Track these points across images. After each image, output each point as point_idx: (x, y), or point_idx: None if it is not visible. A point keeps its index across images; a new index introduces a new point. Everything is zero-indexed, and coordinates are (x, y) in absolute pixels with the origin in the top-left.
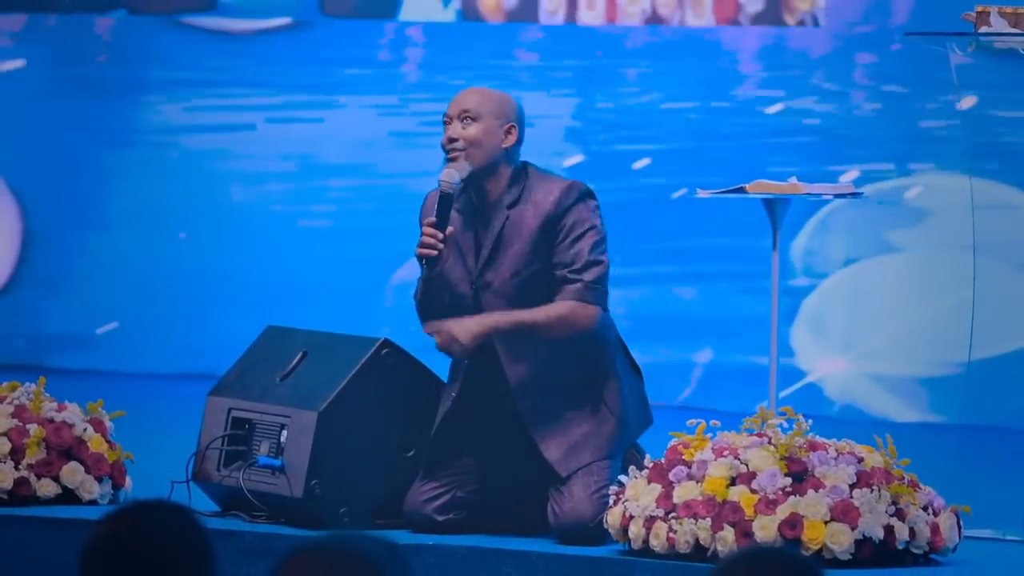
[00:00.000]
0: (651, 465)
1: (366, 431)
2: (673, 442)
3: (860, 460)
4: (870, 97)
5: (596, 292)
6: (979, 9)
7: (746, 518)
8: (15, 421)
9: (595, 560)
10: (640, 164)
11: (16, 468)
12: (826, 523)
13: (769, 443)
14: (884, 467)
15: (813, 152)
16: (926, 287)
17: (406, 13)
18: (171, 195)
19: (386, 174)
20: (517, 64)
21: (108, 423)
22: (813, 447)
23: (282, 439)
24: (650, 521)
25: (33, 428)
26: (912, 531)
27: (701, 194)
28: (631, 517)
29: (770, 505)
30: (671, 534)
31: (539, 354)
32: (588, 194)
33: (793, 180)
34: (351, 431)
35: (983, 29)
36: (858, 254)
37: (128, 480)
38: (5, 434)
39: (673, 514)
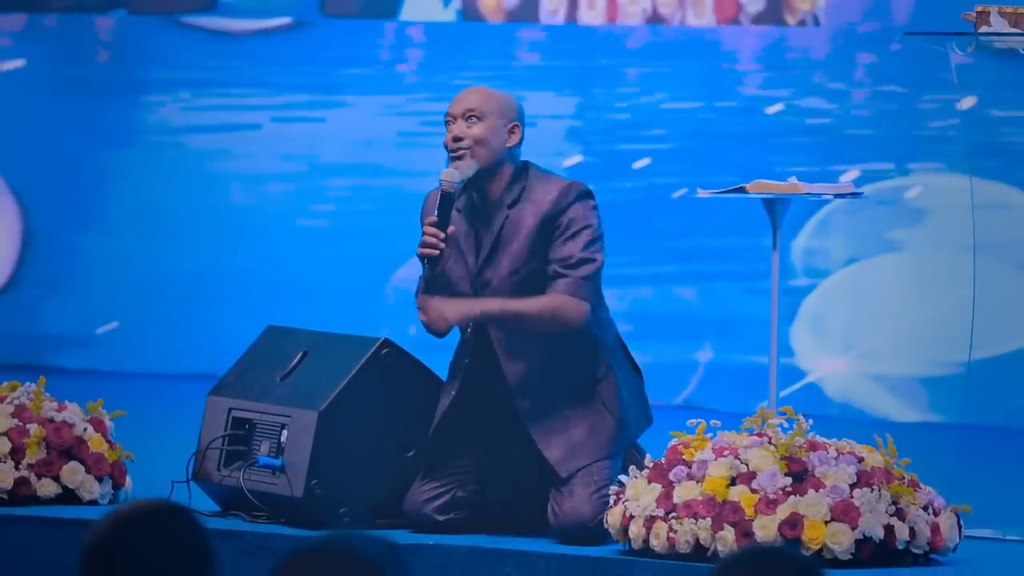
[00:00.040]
0: (651, 465)
1: (366, 431)
2: (673, 442)
3: (860, 460)
4: (870, 97)
5: (587, 288)
6: (979, 9)
7: (746, 518)
8: (15, 421)
9: (595, 560)
10: (640, 164)
11: (16, 468)
12: (826, 523)
13: (769, 443)
14: (884, 467)
15: (813, 152)
16: (926, 287)
17: (406, 13)
18: (171, 195)
19: (386, 174)
20: (518, 64)
21: (108, 423)
22: (813, 447)
23: (282, 439)
24: (650, 521)
25: (33, 428)
26: (912, 531)
27: (701, 194)
28: (631, 517)
29: (770, 505)
30: (671, 534)
31: (537, 352)
32: (586, 194)
33: (793, 180)
34: (351, 431)
35: (983, 29)
36: (858, 254)
37: (128, 480)
38: (5, 434)
39: (673, 514)
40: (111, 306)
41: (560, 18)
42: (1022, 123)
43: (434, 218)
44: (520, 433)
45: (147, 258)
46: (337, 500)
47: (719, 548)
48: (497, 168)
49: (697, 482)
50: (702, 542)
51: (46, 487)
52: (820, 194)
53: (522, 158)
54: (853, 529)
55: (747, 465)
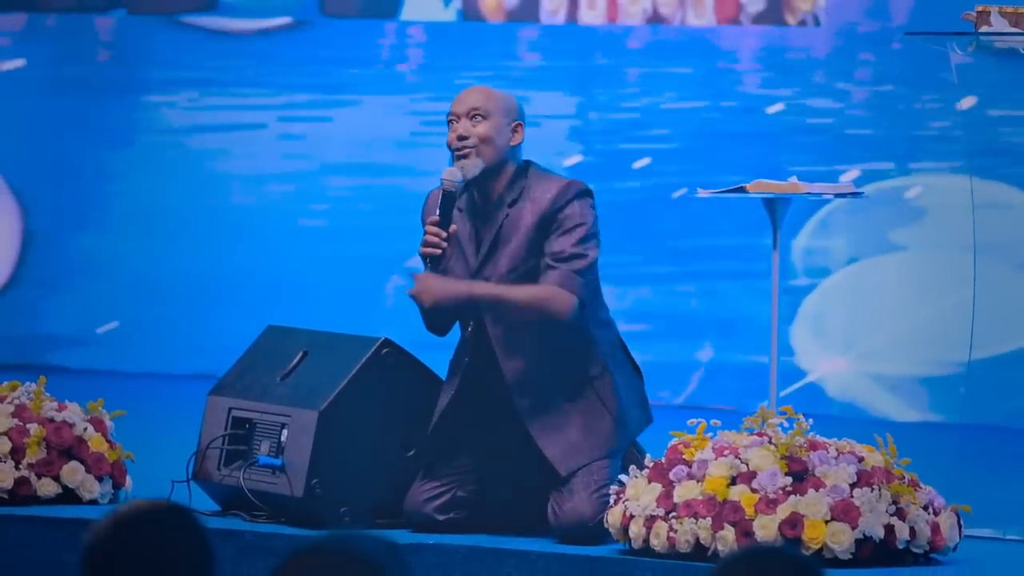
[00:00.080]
0: (651, 464)
1: (366, 431)
2: (673, 441)
3: (860, 459)
4: (870, 97)
5: (576, 282)
6: (979, 9)
7: (746, 517)
8: (15, 421)
9: (595, 560)
10: (640, 164)
11: (16, 468)
12: (826, 522)
13: (769, 442)
14: (884, 466)
15: (814, 151)
16: (926, 287)
17: (407, 13)
18: (171, 195)
19: (387, 174)
20: (518, 64)
21: (108, 422)
22: (813, 446)
23: (282, 438)
24: (650, 520)
25: (33, 428)
26: (912, 530)
27: (701, 193)
28: (631, 516)
29: (770, 504)
30: (671, 533)
31: (534, 350)
32: (585, 192)
33: (793, 179)
34: (351, 431)
35: (983, 29)
36: (858, 254)
37: (128, 480)
38: (5, 433)
39: (673, 513)
40: (111, 306)
41: (560, 18)
42: (1022, 123)
43: (436, 217)
44: (519, 431)
45: (147, 258)
46: (337, 500)
47: (719, 548)
48: (501, 167)
49: (697, 482)
50: (702, 542)
51: (46, 487)
52: (820, 194)
53: (523, 157)
54: (853, 529)
55: (747, 465)
